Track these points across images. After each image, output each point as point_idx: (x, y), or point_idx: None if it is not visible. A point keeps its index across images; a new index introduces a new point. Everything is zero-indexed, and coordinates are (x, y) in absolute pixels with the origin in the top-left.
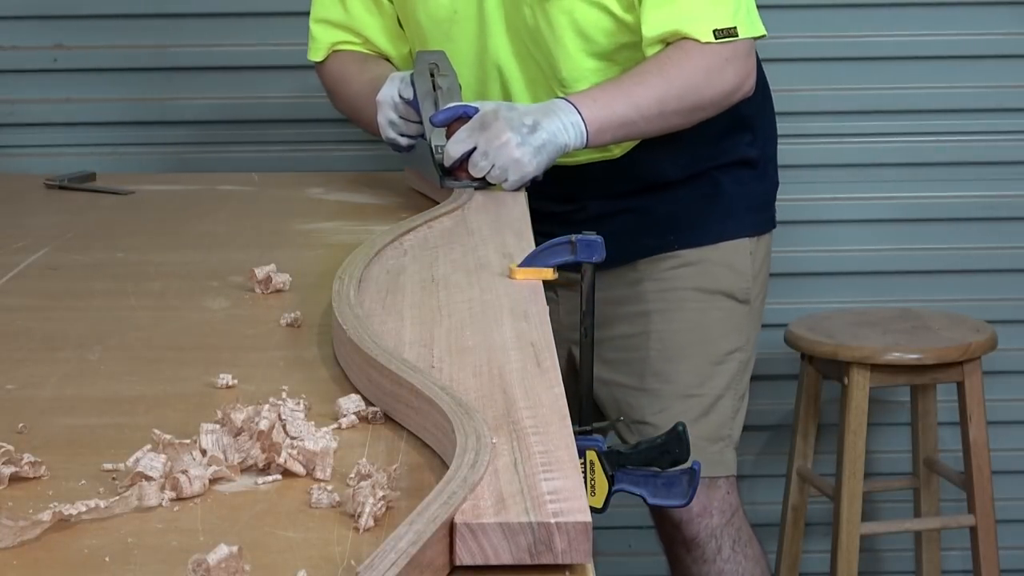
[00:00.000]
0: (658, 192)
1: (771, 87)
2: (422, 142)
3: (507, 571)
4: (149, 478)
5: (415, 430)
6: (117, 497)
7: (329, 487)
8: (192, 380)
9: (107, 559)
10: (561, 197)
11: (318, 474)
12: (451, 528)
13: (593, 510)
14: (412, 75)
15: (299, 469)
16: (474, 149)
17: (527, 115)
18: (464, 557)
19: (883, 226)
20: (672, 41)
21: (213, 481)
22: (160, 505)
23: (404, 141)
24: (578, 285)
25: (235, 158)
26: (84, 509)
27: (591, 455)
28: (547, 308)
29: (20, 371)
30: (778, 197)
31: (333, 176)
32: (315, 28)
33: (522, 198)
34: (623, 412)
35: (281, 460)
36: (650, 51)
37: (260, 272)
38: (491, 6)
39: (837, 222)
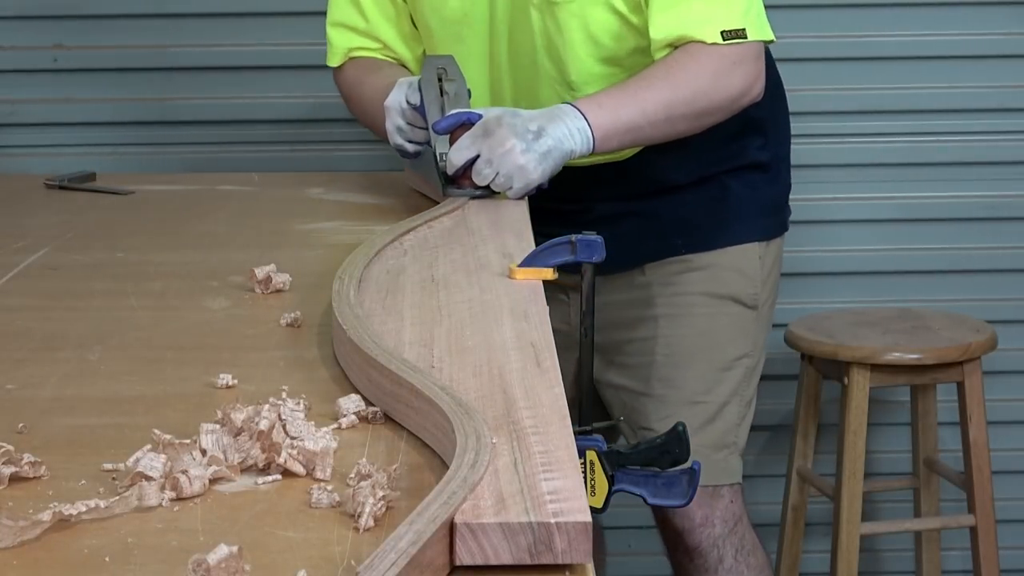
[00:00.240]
0: (666, 195)
1: None
2: (429, 149)
3: (507, 571)
4: (149, 478)
5: (415, 430)
6: (117, 497)
7: (329, 487)
8: (192, 380)
9: (107, 559)
10: (568, 198)
11: (318, 474)
12: (451, 528)
13: (593, 510)
14: (420, 80)
15: (299, 469)
16: (477, 157)
17: (532, 121)
18: (464, 557)
19: (883, 226)
20: (680, 45)
21: (213, 481)
22: (160, 505)
23: (411, 148)
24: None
25: (235, 158)
26: (84, 509)
27: (591, 455)
28: (547, 308)
29: (20, 371)
30: None
31: (333, 176)
32: (332, 33)
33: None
34: (628, 417)
35: (281, 460)
36: (658, 55)
37: (260, 272)
38: (501, 8)
39: (837, 222)
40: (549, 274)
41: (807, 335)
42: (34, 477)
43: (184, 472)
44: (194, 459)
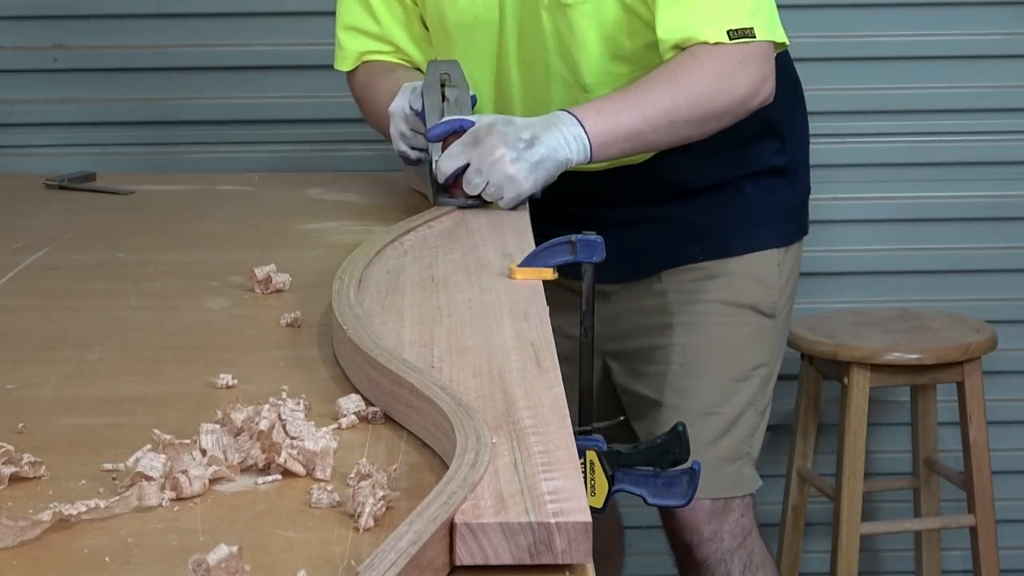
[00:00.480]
0: (681, 200)
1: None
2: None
3: (507, 571)
4: (149, 478)
5: (415, 430)
6: (117, 497)
7: (329, 487)
8: (192, 380)
9: (107, 559)
10: (582, 203)
11: (318, 474)
12: (451, 528)
13: (593, 510)
14: (422, 85)
15: (299, 469)
16: (468, 166)
17: (525, 129)
18: (464, 557)
19: (884, 226)
20: (686, 47)
21: (213, 481)
22: (160, 505)
23: (414, 155)
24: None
25: (235, 158)
26: (84, 509)
27: (591, 455)
28: (547, 308)
29: (20, 371)
30: None
31: (333, 176)
32: (342, 36)
33: None
34: (644, 426)
35: (281, 460)
36: (666, 57)
37: (260, 272)
38: (511, 11)
39: (838, 222)
40: (549, 274)
41: (807, 335)
42: (34, 477)
43: (184, 472)
44: (194, 459)
